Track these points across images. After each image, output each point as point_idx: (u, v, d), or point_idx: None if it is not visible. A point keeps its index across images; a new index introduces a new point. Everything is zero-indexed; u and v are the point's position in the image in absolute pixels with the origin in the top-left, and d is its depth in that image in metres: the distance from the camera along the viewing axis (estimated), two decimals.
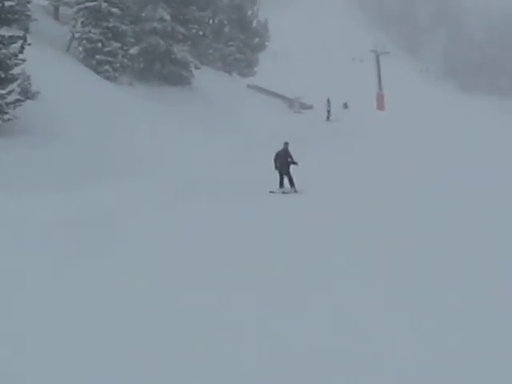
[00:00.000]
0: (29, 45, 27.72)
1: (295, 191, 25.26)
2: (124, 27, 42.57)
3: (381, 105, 74.11)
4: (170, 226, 15.51)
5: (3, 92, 26.85)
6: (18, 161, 23.58)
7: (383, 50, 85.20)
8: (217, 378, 6.70)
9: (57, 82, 32.38)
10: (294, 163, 25.79)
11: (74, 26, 42.70)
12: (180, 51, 49.17)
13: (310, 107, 70.07)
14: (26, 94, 27.84)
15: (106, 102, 35.70)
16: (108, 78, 41.35)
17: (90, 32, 41.60)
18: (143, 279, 10.09)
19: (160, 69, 49.00)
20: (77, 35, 42.59)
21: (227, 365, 6.96)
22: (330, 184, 25.77)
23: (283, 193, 25.12)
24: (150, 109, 39.73)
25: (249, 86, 71.84)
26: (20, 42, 27.44)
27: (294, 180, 25.40)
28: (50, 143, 26.73)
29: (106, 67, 41.48)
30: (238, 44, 71.43)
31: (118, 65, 42.26)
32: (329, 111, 56.85)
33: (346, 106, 72.18)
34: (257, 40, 76.13)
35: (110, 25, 41.62)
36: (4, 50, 26.67)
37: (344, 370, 7.13)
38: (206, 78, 53.68)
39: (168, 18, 48.34)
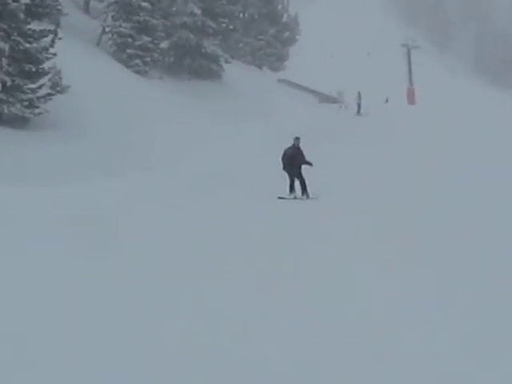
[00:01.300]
0: (59, 39, 27.81)
1: (308, 197, 21.12)
2: (154, 21, 42.59)
3: (411, 99, 73.66)
4: (175, 223, 15.26)
5: (34, 86, 26.98)
6: (45, 154, 23.61)
7: (414, 45, 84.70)
8: (225, 375, 6.59)
9: (87, 76, 32.48)
10: (308, 163, 21.51)
11: (104, 20, 42.82)
12: (210, 45, 49.12)
13: (340, 101, 69.70)
14: (57, 88, 27.94)
15: (135, 96, 35.73)
16: (138, 72, 41.41)
17: (120, 26, 41.71)
18: (150, 275, 9.95)
19: (190, 63, 48.98)
20: (107, 29, 42.73)
21: (236, 362, 6.84)
22: (353, 186, 22.21)
23: (295, 198, 21.07)
24: (180, 103, 39.71)
25: (279, 80, 71.61)
26: (51, 36, 27.54)
27: (307, 183, 21.21)
28: (78, 137, 26.77)
29: (137, 61, 41.55)
30: (269, 38, 71.25)
31: (148, 59, 42.31)
32: (359, 105, 56.39)
33: (387, 100, 72.69)
34: (287, 34, 75.95)
35: (141, 19, 41.67)
36: (35, 44, 26.77)
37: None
38: (236, 72, 53.56)
39: (198, 12, 48.29)
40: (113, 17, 42.37)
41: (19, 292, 9.01)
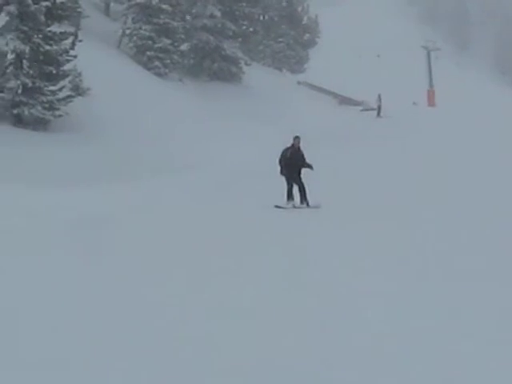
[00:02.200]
0: (80, 41, 27.85)
1: (308, 205, 18.93)
2: (174, 24, 42.64)
3: (431, 101, 73.54)
4: (177, 225, 15.10)
5: (54, 88, 27.03)
6: (63, 156, 23.59)
7: (434, 46, 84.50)
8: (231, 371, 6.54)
9: (107, 78, 32.52)
10: (308, 166, 19.46)
11: (124, 23, 42.99)
12: (230, 48, 49.16)
13: (360, 103, 69.49)
14: (77, 90, 28.02)
15: (155, 98, 35.78)
16: (158, 75, 41.48)
17: (140, 28, 41.81)
18: (152, 279, 9.89)
19: (210, 65, 49.03)
20: (128, 31, 42.84)
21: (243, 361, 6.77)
22: (363, 194, 20.38)
23: (293, 207, 18.87)
24: (200, 105, 39.72)
25: (299, 83, 71.55)
26: (71, 39, 27.59)
27: (307, 190, 19.08)
28: (97, 139, 26.78)
29: (157, 63, 41.61)
30: (289, 40, 71.24)
31: (168, 61, 42.34)
32: (379, 107, 56.19)
33: (415, 103, 72.95)
34: (307, 36, 75.86)
35: (161, 21, 41.74)
36: (55, 47, 26.81)
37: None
38: (256, 74, 53.52)
39: (218, 14, 48.33)
40: (133, 19, 42.54)
41: (28, 292, 8.99)
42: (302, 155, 19.57)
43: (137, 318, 7.97)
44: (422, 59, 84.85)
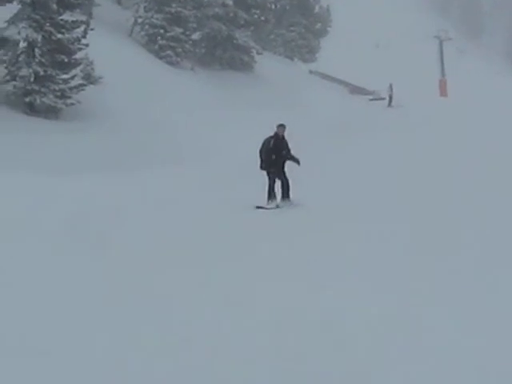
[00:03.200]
0: (92, 29, 27.89)
1: (290, 202, 16.85)
2: (186, 12, 42.59)
3: (443, 91, 73.21)
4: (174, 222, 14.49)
5: (66, 77, 27.11)
6: (75, 145, 23.64)
7: (446, 36, 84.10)
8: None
9: (119, 66, 32.57)
10: (294, 159, 17.24)
11: (136, 11, 42.97)
12: (242, 36, 49.03)
13: (371, 93, 69.28)
14: (89, 78, 28.10)
15: (167, 87, 35.80)
16: (170, 63, 41.47)
17: (152, 17, 41.79)
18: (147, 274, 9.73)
19: (222, 54, 48.93)
20: (139, 20, 42.82)
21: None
22: (361, 189, 18.79)
23: (277, 207, 16.63)
24: (212, 94, 39.70)
25: (310, 72, 71.40)
26: (83, 27, 27.62)
27: (291, 187, 17.00)
28: (108, 128, 26.84)
29: (168, 52, 41.60)
30: (300, 29, 70.92)
31: (180, 50, 42.31)
32: (391, 97, 56.10)
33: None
34: (319, 25, 75.52)
35: (173, 10, 41.69)
36: (67, 35, 26.87)
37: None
38: (267, 63, 53.41)
39: (230, 3, 48.17)
40: (145, 8, 42.53)
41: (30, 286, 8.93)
42: (287, 145, 17.19)
43: (144, 312, 7.93)
44: (434, 49, 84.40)
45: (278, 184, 17.12)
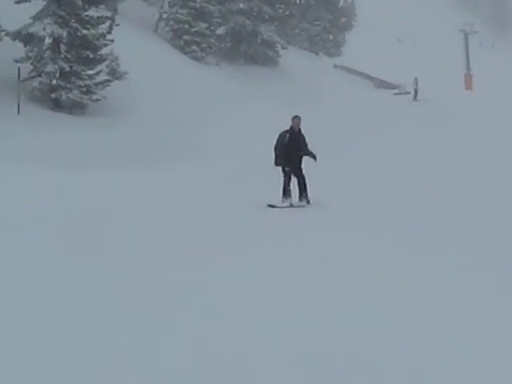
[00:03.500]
0: (117, 25, 27.92)
1: (308, 202, 15.61)
2: (211, 7, 42.62)
3: (469, 85, 72.79)
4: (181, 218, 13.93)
5: (92, 72, 27.18)
6: (101, 140, 23.68)
7: (471, 30, 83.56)
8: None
9: (144, 62, 32.64)
10: (311, 155, 16.01)
11: (161, 7, 43.10)
12: (266, 31, 48.98)
13: (396, 87, 68.93)
14: (114, 74, 28.14)
15: (192, 82, 35.82)
16: (195, 59, 41.50)
17: (177, 12, 41.84)
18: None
19: (246, 49, 48.92)
20: (164, 16, 42.92)
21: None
22: (383, 188, 17.71)
23: (291, 206, 15.42)
24: (236, 89, 39.67)
25: (335, 66, 71.25)
26: (108, 23, 27.65)
27: (308, 183, 15.72)
28: (134, 123, 26.90)
29: (193, 47, 41.64)
30: (325, 24, 70.82)
31: (204, 45, 42.35)
32: (416, 90, 55.84)
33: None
34: (343, 20, 75.37)
35: (197, 5, 41.73)
36: (92, 31, 26.93)
37: None
38: (292, 57, 53.33)
39: None
40: (169, 3, 42.64)
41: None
42: (304, 140, 16.01)
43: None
44: (460, 43, 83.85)
45: (294, 181, 15.90)
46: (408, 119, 38.75)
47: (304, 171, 15.83)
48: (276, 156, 15.70)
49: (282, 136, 15.73)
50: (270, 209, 15.13)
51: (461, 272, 9.26)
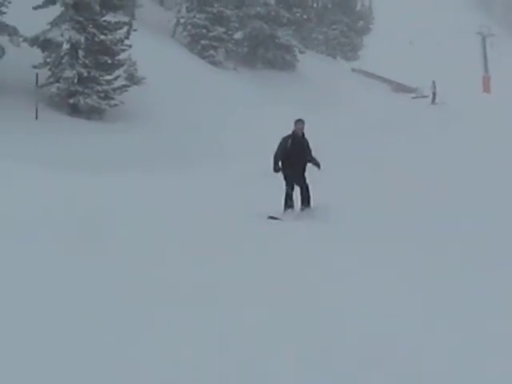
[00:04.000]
0: (134, 30, 28.01)
1: (311, 212, 14.22)
2: (228, 12, 42.71)
3: (487, 87, 72.49)
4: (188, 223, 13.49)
5: (110, 78, 27.26)
6: (116, 145, 23.72)
7: (489, 32, 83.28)
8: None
9: (162, 67, 32.69)
10: (315, 162, 14.67)
11: (178, 12, 43.18)
12: (284, 35, 48.96)
13: (414, 90, 68.70)
14: (132, 79, 28.20)
15: (210, 87, 35.83)
16: (213, 63, 41.54)
17: (194, 17, 41.93)
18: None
19: (264, 53, 48.92)
20: (182, 20, 43.01)
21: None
22: (395, 197, 16.36)
23: (294, 219, 13.83)
24: (254, 93, 39.65)
25: (353, 70, 71.09)
26: (126, 28, 27.76)
27: (311, 192, 14.51)
28: (152, 128, 26.92)
29: (211, 52, 41.67)
30: (342, 27, 70.66)
31: (222, 50, 42.38)
32: (434, 94, 55.68)
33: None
34: (361, 23, 75.20)
35: (215, 10, 41.83)
36: (110, 36, 27.03)
37: None
38: (310, 61, 53.25)
39: (272, 1, 48.16)
40: (187, 8, 42.74)
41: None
42: (308, 145, 14.68)
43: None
44: (477, 45, 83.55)
45: (296, 191, 14.64)
46: (426, 122, 38.62)
47: (308, 180, 14.56)
48: (275, 163, 14.42)
49: (284, 141, 14.45)
50: (271, 221, 13.56)
51: (466, 272, 9.19)
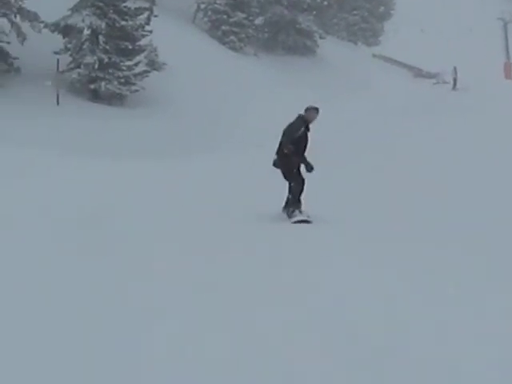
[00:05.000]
0: (155, 16, 28.03)
1: (298, 217, 11.74)
2: None
3: (508, 74, 71.97)
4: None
5: (130, 63, 27.29)
6: (137, 130, 23.75)
7: (511, 18, 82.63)
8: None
9: (183, 53, 32.69)
10: (305, 162, 11.97)
11: None
12: (305, 21, 48.77)
13: (434, 76, 68.16)
14: (153, 65, 28.24)
15: (230, 72, 35.79)
16: (233, 49, 41.47)
17: (215, 3, 41.80)
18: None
19: (285, 39, 48.77)
20: (202, 6, 42.87)
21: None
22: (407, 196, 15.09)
23: (307, 220, 11.71)
24: (274, 79, 39.55)
25: (374, 56, 70.70)
26: (146, 14, 27.78)
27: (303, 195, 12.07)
28: (173, 113, 26.94)
29: (232, 38, 41.60)
30: (363, 13, 70.20)
31: (243, 35, 42.30)
32: (455, 80, 55.41)
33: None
34: (382, 9, 74.69)
35: None
36: (131, 22, 27.06)
37: None
38: (330, 47, 53.06)
39: None
40: None
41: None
42: (306, 135, 12.06)
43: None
44: (499, 32, 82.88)
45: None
46: (447, 108, 38.26)
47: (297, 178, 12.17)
48: (278, 154, 12.01)
49: (295, 127, 11.83)
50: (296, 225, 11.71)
51: (466, 271, 9.10)
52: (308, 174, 12.03)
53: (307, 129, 11.92)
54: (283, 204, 12.17)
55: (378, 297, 7.79)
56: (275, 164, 12.05)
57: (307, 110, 12.01)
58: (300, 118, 11.92)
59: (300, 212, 11.84)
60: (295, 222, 11.65)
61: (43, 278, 8.01)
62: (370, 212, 13.14)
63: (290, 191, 11.98)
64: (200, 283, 8.30)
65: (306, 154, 12.03)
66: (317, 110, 12.04)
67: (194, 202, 13.86)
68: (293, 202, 11.93)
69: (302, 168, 12.09)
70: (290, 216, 11.83)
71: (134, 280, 8.19)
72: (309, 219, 11.71)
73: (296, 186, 11.92)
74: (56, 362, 6.07)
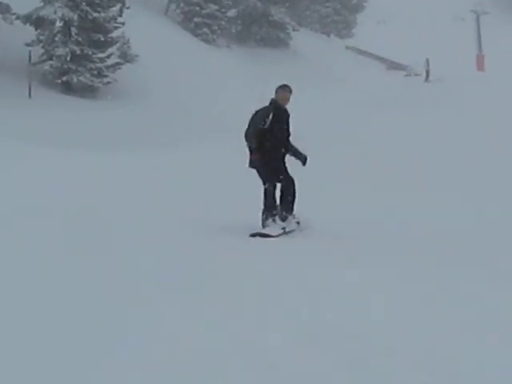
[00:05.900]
0: (127, 8, 28.02)
1: (297, 222, 9.75)
2: None
3: (480, 66, 72.46)
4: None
5: (103, 55, 27.29)
6: (109, 122, 23.72)
7: (483, 10, 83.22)
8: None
9: (155, 45, 32.64)
10: (296, 154, 9.86)
11: None
12: (277, 13, 48.80)
13: (405, 68, 68.49)
14: (126, 57, 28.22)
15: (203, 64, 35.79)
16: (206, 41, 41.46)
17: None
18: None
19: (257, 31, 48.82)
20: None
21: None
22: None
23: (283, 232, 9.49)
24: (247, 70, 39.62)
25: (347, 48, 70.86)
26: (119, 6, 27.80)
27: (296, 191, 9.72)
28: (145, 105, 26.94)
29: (204, 30, 41.59)
30: (336, 5, 70.26)
31: (215, 27, 42.28)
32: (427, 71, 55.72)
33: None
34: (355, 1, 74.79)
35: None
36: (103, 14, 27.05)
37: None
38: (303, 39, 53.12)
39: None
40: None
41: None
42: (288, 122, 9.75)
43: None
44: (471, 24, 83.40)
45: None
46: (419, 100, 38.48)
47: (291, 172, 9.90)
48: (251, 151, 9.47)
49: (261, 116, 9.40)
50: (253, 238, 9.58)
51: (466, 272, 9.21)
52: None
53: (279, 113, 9.45)
54: (260, 213, 9.69)
55: (377, 297, 7.91)
56: (252, 164, 9.53)
57: (277, 90, 9.65)
58: (271, 103, 9.53)
59: (273, 220, 9.58)
60: (255, 235, 9.40)
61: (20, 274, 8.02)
62: (347, 206, 13.01)
63: (283, 193, 9.71)
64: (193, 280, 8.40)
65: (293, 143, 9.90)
66: (287, 87, 9.72)
67: (168, 196, 13.81)
68: (291, 206, 9.76)
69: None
70: (283, 219, 9.61)
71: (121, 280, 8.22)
72: (273, 235, 9.35)
73: (288, 185, 9.64)
74: (56, 362, 6.09)
